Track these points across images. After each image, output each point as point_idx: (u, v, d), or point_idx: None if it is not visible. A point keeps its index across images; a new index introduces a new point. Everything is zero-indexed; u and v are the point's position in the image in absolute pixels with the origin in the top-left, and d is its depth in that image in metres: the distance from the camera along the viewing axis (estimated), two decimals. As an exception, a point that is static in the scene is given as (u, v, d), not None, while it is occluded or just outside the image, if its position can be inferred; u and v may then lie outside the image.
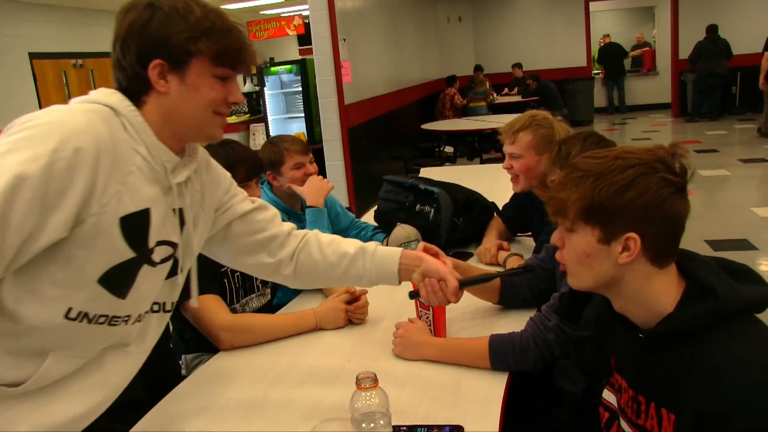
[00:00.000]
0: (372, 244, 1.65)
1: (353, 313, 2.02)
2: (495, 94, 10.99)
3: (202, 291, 1.96)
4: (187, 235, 1.38)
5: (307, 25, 10.29)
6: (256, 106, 7.91)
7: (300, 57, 9.52)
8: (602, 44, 14.44)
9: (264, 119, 7.44)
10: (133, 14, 1.25)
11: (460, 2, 13.14)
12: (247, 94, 7.97)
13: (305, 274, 1.63)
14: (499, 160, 3.71)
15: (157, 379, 1.86)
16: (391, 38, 8.27)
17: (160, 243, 1.28)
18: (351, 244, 1.64)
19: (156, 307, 1.38)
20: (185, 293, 1.48)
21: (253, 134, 7.75)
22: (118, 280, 1.22)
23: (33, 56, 9.55)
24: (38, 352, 1.21)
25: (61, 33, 10.10)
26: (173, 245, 1.33)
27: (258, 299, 2.25)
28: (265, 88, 7.52)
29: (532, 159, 2.32)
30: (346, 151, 6.12)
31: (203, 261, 2.02)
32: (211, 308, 1.95)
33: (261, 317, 2.05)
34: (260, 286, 2.24)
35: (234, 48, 1.28)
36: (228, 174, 1.57)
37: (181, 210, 1.35)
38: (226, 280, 2.12)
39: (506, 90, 11.89)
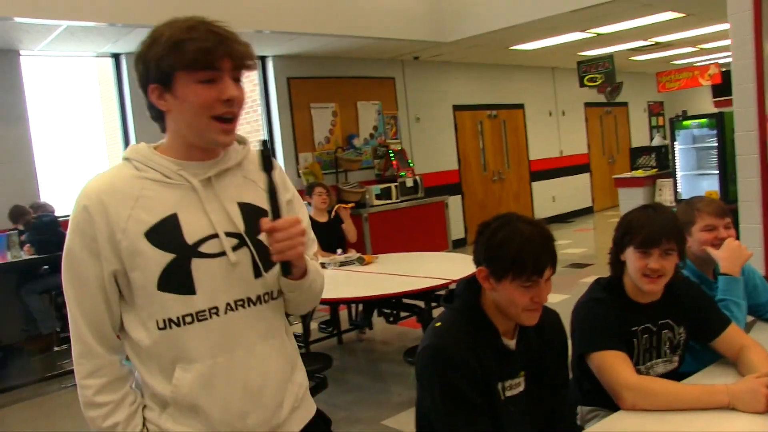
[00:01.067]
0: None
1: None
2: None
3: (608, 346, 2.01)
4: (253, 224, 1.47)
5: (724, 74, 9.64)
6: (664, 161, 7.64)
7: (715, 109, 8.92)
8: None
9: (672, 175, 7.15)
10: (135, 55, 1.44)
11: None
12: (656, 148, 7.76)
13: None
14: None
15: (551, 424, 1.94)
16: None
17: (210, 237, 1.42)
18: None
19: (260, 295, 1.49)
20: None
21: (659, 189, 7.51)
22: (174, 281, 1.39)
23: (456, 108, 10.66)
24: (169, 368, 1.42)
25: (479, 87, 11.07)
26: (236, 235, 1.45)
27: (664, 365, 2.18)
28: (675, 143, 7.24)
29: None
30: (766, 213, 5.54)
31: (604, 317, 2.08)
32: (617, 365, 1.96)
33: (668, 383, 1.96)
34: (668, 351, 2.17)
35: (201, 50, 1.34)
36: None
37: (247, 204, 1.48)
38: (635, 339, 2.11)
39: None
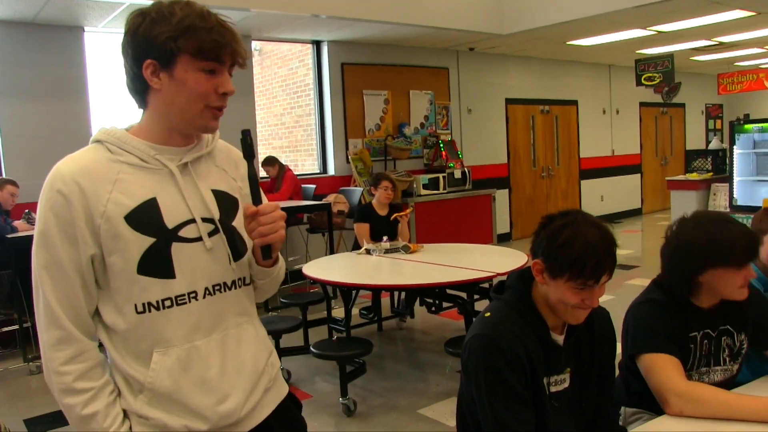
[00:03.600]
0: None
1: None
2: None
3: (660, 349, 1.98)
4: (232, 210, 1.51)
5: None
6: (720, 165, 7.45)
7: (778, 114, 8.65)
8: None
9: (729, 180, 6.97)
10: (128, 23, 1.40)
11: None
12: (713, 152, 7.57)
13: None
14: None
15: (593, 423, 1.92)
16: None
17: (189, 222, 1.43)
18: None
19: (232, 283, 1.50)
20: None
21: (714, 194, 7.32)
22: (154, 264, 1.39)
23: (508, 101, 10.56)
24: (146, 352, 1.40)
25: (533, 82, 10.96)
26: (211, 221, 1.46)
27: (722, 373, 2.12)
28: (734, 147, 7.05)
29: None
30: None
31: (661, 319, 2.03)
32: (666, 369, 1.92)
33: (718, 391, 1.90)
34: (727, 359, 2.12)
35: (214, 42, 1.36)
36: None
37: (221, 192, 1.51)
38: (693, 345, 2.06)
39: None
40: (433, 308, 5.45)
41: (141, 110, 1.49)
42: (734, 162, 7.30)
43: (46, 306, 1.37)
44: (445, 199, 8.63)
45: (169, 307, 1.41)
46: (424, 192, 8.50)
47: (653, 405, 1.97)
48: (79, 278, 1.37)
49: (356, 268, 4.95)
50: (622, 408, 2.23)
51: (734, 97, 13.89)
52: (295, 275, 6.90)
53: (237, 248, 1.52)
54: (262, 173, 7.84)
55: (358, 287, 4.72)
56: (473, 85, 10.02)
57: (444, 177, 8.76)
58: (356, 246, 5.67)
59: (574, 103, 11.76)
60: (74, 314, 1.37)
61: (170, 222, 1.41)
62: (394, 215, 5.59)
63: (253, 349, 1.54)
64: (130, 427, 1.41)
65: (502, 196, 10.20)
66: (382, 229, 5.55)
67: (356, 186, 8.09)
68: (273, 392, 1.61)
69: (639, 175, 13.38)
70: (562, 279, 1.73)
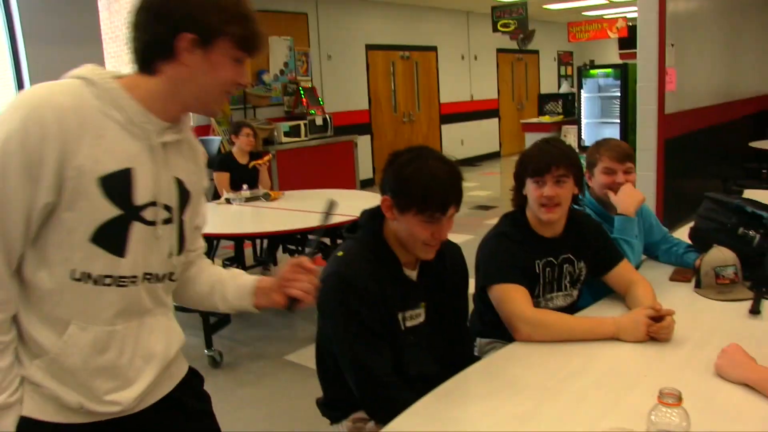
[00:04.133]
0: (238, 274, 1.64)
1: (656, 330, 1.92)
2: None
3: (509, 279, 2.06)
4: (185, 203, 1.45)
5: (630, 28, 9.93)
6: (570, 108, 7.84)
7: (620, 61, 9.19)
8: None
9: (577, 122, 7.35)
10: None
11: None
12: (563, 96, 7.94)
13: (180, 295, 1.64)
14: None
15: (450, 355, 1.98)
16: (725, 45, 7.59)
17: (152, 204, 1.34)
18: (224, 273, 1.65)
19: (165, 274, 1.44)
20: None
21: (565, 135, 7.71)
22: (111, 238, 1.29)
23: (369, 47, 10.53)
24: (62, 320, 1.30)
25: (393, 28, 10.98)
26: (169, 209, 1.39)
27: (564, 298, 2.25)
28: (582, 91, 7.42)
29: None
30: (660, 162, 5.80)
31: (509, 251, 2.13)
32: (516, 298, 2.02)
33: (561, 316, 2.06)
34: (568, 285, 2.25)
35: (255, 35, 1.35)
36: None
37: (181, 182, 1.43)
38: (538, 272, 2.17)
39: None
40: (296, 254, 5.42)
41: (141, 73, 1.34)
42: (582, 105, 7.70)
43: None
44: (307, 146, 8.54)
45: (107, 285, 1.31)
46: (285, 140, 8.36)
47: (506, 334, 2.06)
48: (23, 221, 1.22)
49: (217, 217, 4.81)
50: (477, 339, 2.32)
51: (582, 45, 14.61)
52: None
53: (182, 243, 1.46)
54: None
55: (220, 237, 4.60)
56: (333, 32, 9.89)
57: (305, 124, 8.64)
58: (216, 196, 5.52)
59: (434, 49, 11.91)
60: (8, 257, 1.24)
61: (138, 199, 1.32)
62: (253, 163, 5.48)
63: (164, 339, 1.48)
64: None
65: (364, 142, 10.23)
66: (242, 177, 5.43)
67: (215, 135, 7.83)
68: (175, 370, 1.57)
69: (497, 119, 13.86)
70: (410, 213, 1.75)
